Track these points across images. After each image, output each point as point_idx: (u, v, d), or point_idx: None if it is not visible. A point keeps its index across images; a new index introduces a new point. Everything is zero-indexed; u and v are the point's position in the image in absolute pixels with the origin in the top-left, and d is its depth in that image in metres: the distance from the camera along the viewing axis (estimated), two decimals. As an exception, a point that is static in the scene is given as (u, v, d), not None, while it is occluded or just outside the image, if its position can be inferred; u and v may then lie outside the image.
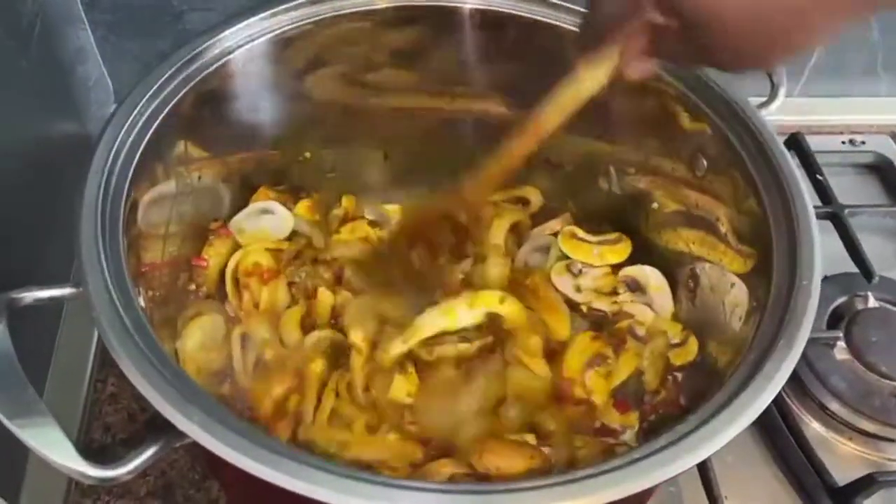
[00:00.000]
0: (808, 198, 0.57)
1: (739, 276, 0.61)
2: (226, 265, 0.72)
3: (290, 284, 0.73)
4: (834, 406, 0.74)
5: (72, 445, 0.39)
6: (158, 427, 0.42)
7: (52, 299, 0.48)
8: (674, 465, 0.41)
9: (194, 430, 0.40)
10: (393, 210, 0.83)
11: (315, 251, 0.75)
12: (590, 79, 0.51)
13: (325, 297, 0.71)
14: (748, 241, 0.59)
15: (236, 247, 0.73)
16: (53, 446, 0.39)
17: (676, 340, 0.68)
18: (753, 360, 0.46)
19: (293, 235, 0.76)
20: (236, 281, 0.72)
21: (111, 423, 0.73)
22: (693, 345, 0.67)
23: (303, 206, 0.78)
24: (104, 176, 0.53)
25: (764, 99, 0.66)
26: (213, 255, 0.72)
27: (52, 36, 0.81)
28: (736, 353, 0.50)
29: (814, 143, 0.95)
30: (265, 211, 0.74)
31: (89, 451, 0.67)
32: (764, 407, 0.43)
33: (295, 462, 0.39)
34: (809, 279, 0.50)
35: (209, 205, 0.70)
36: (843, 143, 1.03)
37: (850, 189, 0.94)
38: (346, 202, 0.82)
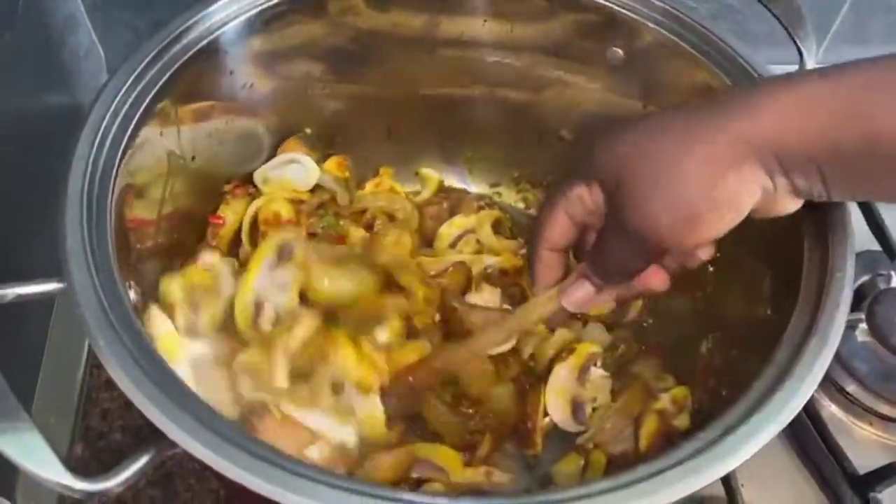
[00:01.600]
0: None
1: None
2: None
3: (311, 236, 0.70)
4: (853, 389, 0.72)
5: (56, 458, 0.37)
6: (150, 434, 0.39)
7: (36, 295, 0.45)
8: (686, 483, 0.38)
9: (186, 439, 0.37)
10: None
11: (338, 206, 0.73)
12: (544, 305, 0.55)
13: (355, 234, 0.71)
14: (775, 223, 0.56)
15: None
16: (37, 459, 0.37)
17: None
18: (782, 360, 0.43)
19: (316, 188, 0.73)
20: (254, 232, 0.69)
21: (108, 410, 0.71)
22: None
23: (332, 162, 0.76)
24: (91, 159, 0.50)
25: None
26: (230, 213, 0.70)
27: (40, 4, 0.77)
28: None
29: (835, 113, 0.91)
30: (292, 161, 0.72)
31: (85, 446, 0.67)
32: (794, 414, 0.40)
33: (293, 475, 0.37)
34: (843, 270, 0.46)
35: (202, 190, 0.67)
36: (866, 112, 0.99)
37: (873, 162, 0.90)
38: (385, 172, 0.80)
